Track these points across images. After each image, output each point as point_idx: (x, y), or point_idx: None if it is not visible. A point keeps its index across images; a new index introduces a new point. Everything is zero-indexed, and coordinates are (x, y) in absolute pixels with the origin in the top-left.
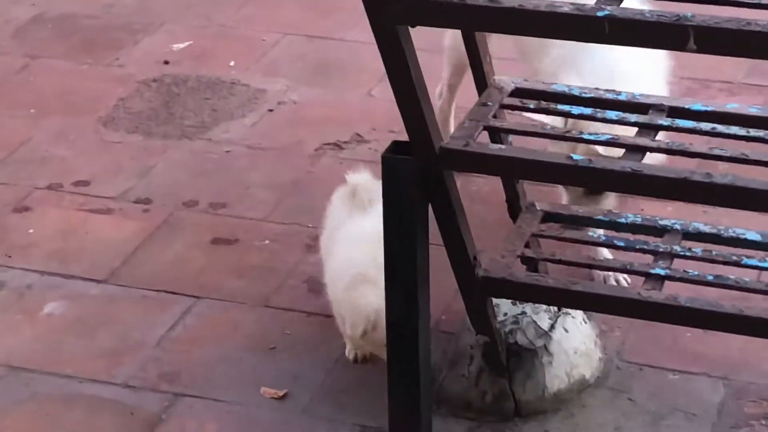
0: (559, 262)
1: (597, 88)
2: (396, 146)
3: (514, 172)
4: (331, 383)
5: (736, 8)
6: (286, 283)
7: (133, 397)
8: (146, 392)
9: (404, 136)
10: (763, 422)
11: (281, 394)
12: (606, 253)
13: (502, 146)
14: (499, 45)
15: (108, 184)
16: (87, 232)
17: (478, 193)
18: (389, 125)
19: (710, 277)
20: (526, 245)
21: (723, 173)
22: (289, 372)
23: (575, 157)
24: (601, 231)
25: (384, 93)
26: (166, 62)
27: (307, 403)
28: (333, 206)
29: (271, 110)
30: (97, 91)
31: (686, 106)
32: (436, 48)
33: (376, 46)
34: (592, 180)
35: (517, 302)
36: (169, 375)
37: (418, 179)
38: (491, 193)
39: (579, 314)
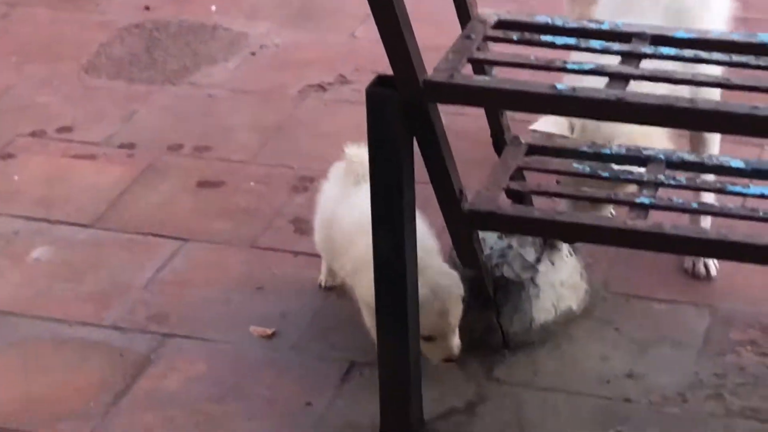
0: (545, 194)
1: (580, 18)
2: (380, 80)
3: (498, 102)
4: (319, 321)
5: None
6: (273, 224)
7: (122, 338)
8: (135, 334)
9: None
10: (749, 348)
11: (270, 332)
12: None
13: (486, 77)
14: None
15: (91, 129)
16: (72, 177)
17: (464, 131)
18: (373, 66)
19: (695, 205)
20: (512, 178)
21: (706, 99)
22: (277, 311)
23: (559, 86)
24: (586, 162)
25: (367, 34)
26: (147, 8)
27: (295, 340)
28: (331, 182)
29: (253, 53)
30: (79, 38)
31: (669, 34)
32: None
33: None
34: (577, 108)
35: (504, 236)
36: (158, 316)
37: (403, 113)
38: (477, 131)
39: (565, 247)
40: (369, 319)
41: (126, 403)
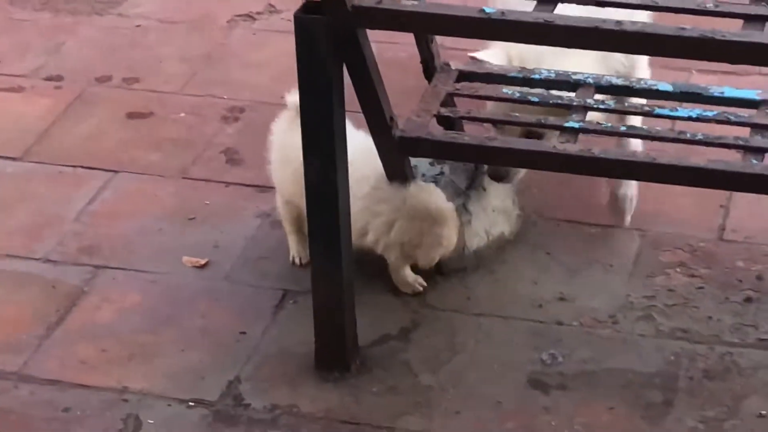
0: (475, 119)
1: None
2: (308, 6)
3: (427, 27)
4: (252, 250)
5: None
6: (204, 155)
7: (54, 271)
8: (67, 266)
9: None
10: (678, 270)
11: (203, 262)
12: None
13: (416, 2)
14: None
15: (18, 62)
16: None
17: (395, 59)
18: None
19: (623, 128)
20: (442, 104)
21: (633, 21)
22: (210, 241)
23: (487, 9)
24: (515, 87)
25: None
26: None
27: (228, 270)
28: (277, 134)
29: None
30: None
31: None
32: None
33: None
34: (505, 32)
35: (435, 162)
36: (90, 248)
37: (332, 38)
38: (407, 59)
39: None
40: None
41: (59, 335)
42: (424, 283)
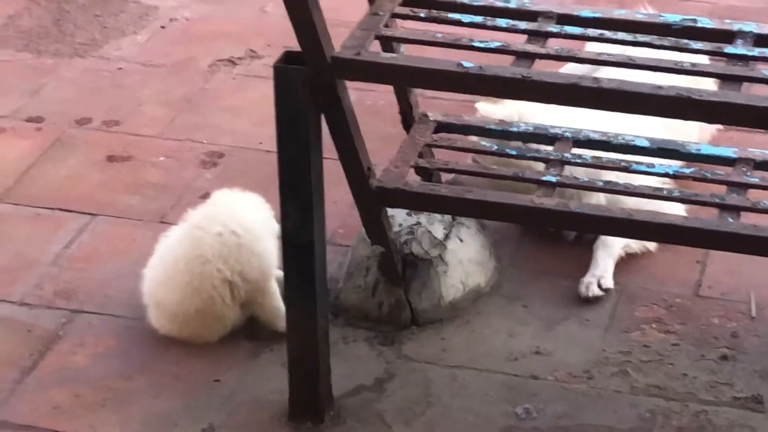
0: (452, 171)
1: None
2: (288, 56)
3: (406, 80)
4: None
5: None
6: (182, 199)
7: (29, 314)
8: (43, 309)
9: None
10: (654, 326)
11: None
12: None
13: (394, 55)
14: None
15: None
16: None
17: (374, 107)
18: (284, 41)
19: (600, 183)
20: (420, 155)
21: (610, 78)
22: None
23: (465, 64)
24: (493, 140)
25: (278, 8)
26: None
27: None
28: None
29: (163, 27)
30: None
31: (575, 13)
32: None
33: None
34: (483, 86)
35: (412, 213)
36: (66, 292)
37: (310, 89)
38: (386, 107)
39: (473, 224)
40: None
41: (33, 380)
42: None
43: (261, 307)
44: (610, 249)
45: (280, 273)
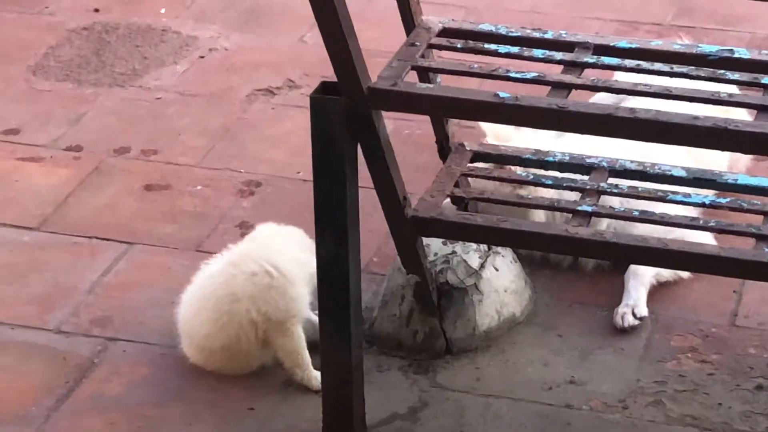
0: (488, 200)
1: (524, 27)
2: (324, 87)
3: (441, 110)
4: None
5: None
6: (218, 228)
7: (65, 342)
8: (78, 337)
9: None
10: (689, 355)
11: None
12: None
13: (430, 85)
14: None
15: (38, 132)
16: (17, 180)
17: (410, 137)
18: (321, 71)
19: (636, 213)
20: (456, 185)
21: (646, 109)
22: None
23: (501, 94)
24: (530, 169)
25: (316, 39)
26: (96, 10)
27: None
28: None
29: (202, 57)
30: (27, 40)
31: (611, 44)
32: None
33: None
34: (519, 117)
35: (448, 242)
36: (102, 320)
37: (347, 119)
38: (423, 137)
39: (509, 253)
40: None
41: (68, 408)
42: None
43: (280, 348)
44: (642, 278)
45: (314, 317)
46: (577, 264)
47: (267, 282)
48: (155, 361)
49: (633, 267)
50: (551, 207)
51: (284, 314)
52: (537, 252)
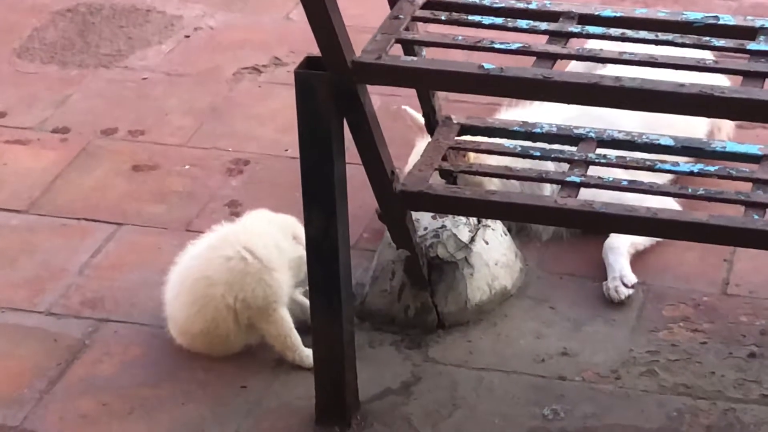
0: (476, 173)
1: None
2: (309, 62)
3: (426, 82)
4: None
5: None
6: (208, 207)
7: (56, 324)
8: (69, 319)
9: None
10: (681, 325)
11: None
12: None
13: (414, 58)
14: None
15: (24, 114)
16: (5, 163)
17: (398, 112)
18: (308, 48)
19: (624, 182)
20: (444, 158)
21: (632, 77)
22: None
23: (486, 66)
24: (517, 141)
25: (302, 16)
26: None
27: None
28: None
29: (187, 36)
30: (11, 22)
31: (596, 13)
32: None
33: None
34: (504, 88)
35: (437, 216)
36: (92, 301)
37: (332, 94)
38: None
39: (499, 226)
40: None
41: (60, 389)
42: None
43: (266, 333)
44: (619, 250)
45: (302, 299)
46: (560, 235)
47: (241, 268)
48: (147, 342)
49: (608, 241)
50: (540, 178)
51: (263, 300)
52: (519, 224)
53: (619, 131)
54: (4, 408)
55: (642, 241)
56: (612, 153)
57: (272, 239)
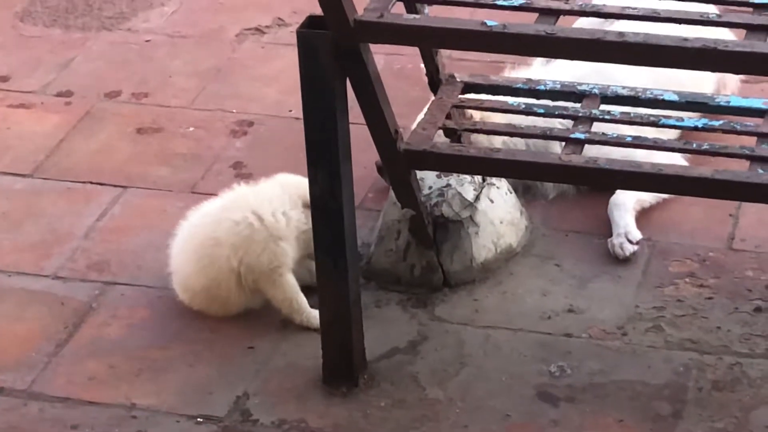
0: (480, 131)
1: None
2: (311, 21)
3: (429, 40)
4: None
5: None
6: (213, 169)
7: (63, 287)
8: (76, 282)
9: None
10: (687, 280)
11: None
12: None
13: (417, 16)
14: None
15: (28, 78)
16: (9, 127)
17: (402, 71)
18: (311, 8)
19: (629, 138)
20: (448, 116)
21: (635, 32)
22: None
23: (489, 23)
24: (521, 98)
25: None
26: None
27: None
28: None
29: None
30: None
31: None
32: None
33: None
34: (506, 44)
35: (442, 175)
36: (98, 264)
37: (335, 53)
38: (414, 71)
39: (504, 184)
40: None
41: (68, 352)
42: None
43: (272, 298)
44: (624, 206)
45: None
46: (565, 192)
47: (247, 234)
48: (153, 304)
49: (613, 198)
50: (544, 135)
51: (267, 266)
52: (525, 183)
53: (623, 87)
54: (13, 371)
55: (648, 198)
56: (616, 109)
57: (282, 206)
